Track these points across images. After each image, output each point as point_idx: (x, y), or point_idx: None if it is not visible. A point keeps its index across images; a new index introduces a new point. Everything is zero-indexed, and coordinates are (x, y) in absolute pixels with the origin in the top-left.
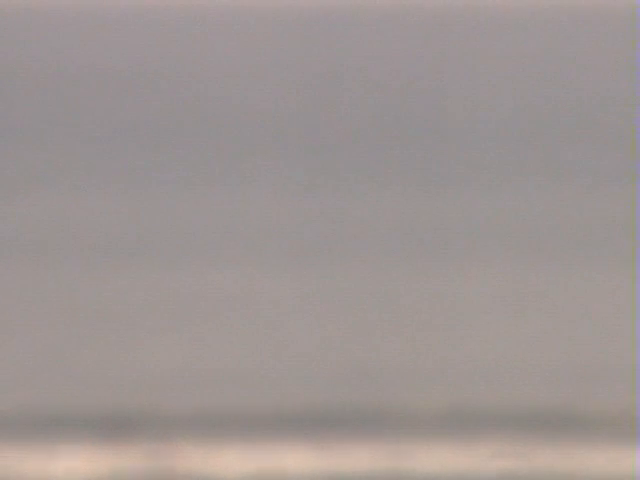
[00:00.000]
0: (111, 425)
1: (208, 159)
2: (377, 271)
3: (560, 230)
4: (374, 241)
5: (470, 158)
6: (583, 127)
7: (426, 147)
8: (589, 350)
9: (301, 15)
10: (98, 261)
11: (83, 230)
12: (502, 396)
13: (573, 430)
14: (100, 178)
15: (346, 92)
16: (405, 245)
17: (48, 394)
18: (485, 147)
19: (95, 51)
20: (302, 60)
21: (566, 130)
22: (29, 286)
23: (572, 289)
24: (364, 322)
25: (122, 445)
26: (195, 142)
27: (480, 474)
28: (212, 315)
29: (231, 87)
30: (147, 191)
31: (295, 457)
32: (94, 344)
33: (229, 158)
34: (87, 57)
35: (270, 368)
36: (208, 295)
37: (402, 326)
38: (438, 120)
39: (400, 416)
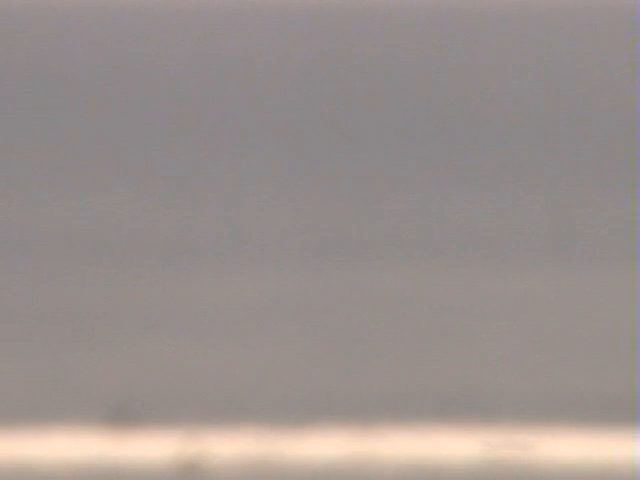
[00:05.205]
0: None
1: (208, 159)
2: (376, 270)
3: (560, 230)
4: (375, 240)
5: (470, 158)
6: (583, 127)
7: (426, 147)
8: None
9: (301, 14)
10: (106, 262)
11: (84, 230)
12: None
13: None
14: (101, 178)
15: (346, 92)
16: (405, 244)
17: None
18: (485, 147)
19: (95, 51)
20: (303, 59)
21: (566, 130)
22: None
23: (572, 289)
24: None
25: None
26: (197, 142)
27: None
28: (220, 319)
29: (232, 87)
30: (147, 191)
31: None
32: (99, 347)
33: (230, 158)
34: (87, 57)
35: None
36: (215, 298)
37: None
38: (438, 120)
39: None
